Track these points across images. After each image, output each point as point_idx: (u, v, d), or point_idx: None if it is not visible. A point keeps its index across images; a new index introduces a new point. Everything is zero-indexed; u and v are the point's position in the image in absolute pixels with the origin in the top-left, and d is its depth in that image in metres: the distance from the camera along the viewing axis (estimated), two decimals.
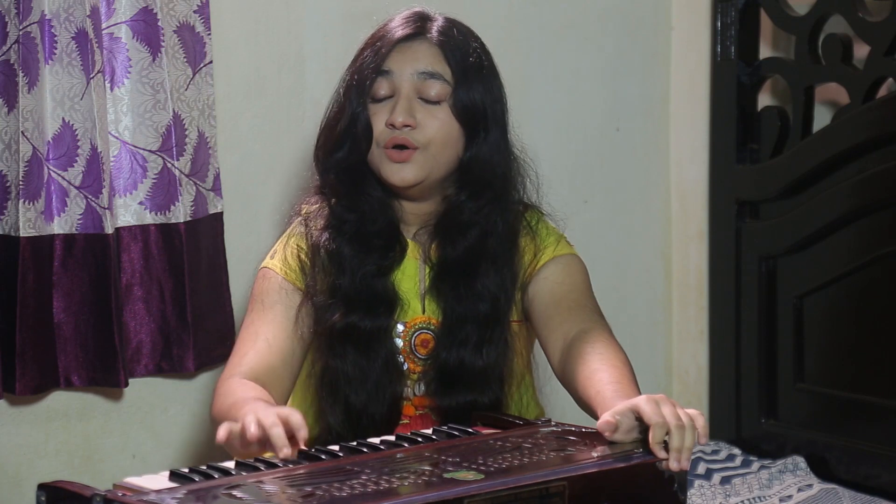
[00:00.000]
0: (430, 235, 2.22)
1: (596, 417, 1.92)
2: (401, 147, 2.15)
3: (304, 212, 2.24)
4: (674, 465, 1.79)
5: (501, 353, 2.17)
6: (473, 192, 2.19)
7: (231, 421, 1.88)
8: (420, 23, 2.20)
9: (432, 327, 2.19)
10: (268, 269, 2.22)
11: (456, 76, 2.17)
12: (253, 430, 1.80)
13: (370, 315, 2.15)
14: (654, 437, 1.79)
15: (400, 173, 2.16)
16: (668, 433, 1.80)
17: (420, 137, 2.15)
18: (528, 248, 2.23)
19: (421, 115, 2.16)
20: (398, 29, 2.20)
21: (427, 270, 2.21)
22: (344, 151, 2.19)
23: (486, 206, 2.19)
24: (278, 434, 1.80)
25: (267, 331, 2.16)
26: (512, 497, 1.66)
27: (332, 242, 2.18)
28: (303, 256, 2.20)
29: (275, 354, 2.14)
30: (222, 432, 1.84)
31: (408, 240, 2.22)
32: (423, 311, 2.20)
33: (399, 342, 2.19)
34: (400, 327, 2.19)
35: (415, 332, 2.20)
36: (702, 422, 1.83)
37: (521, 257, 2.22)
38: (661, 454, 1.79)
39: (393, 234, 2.21)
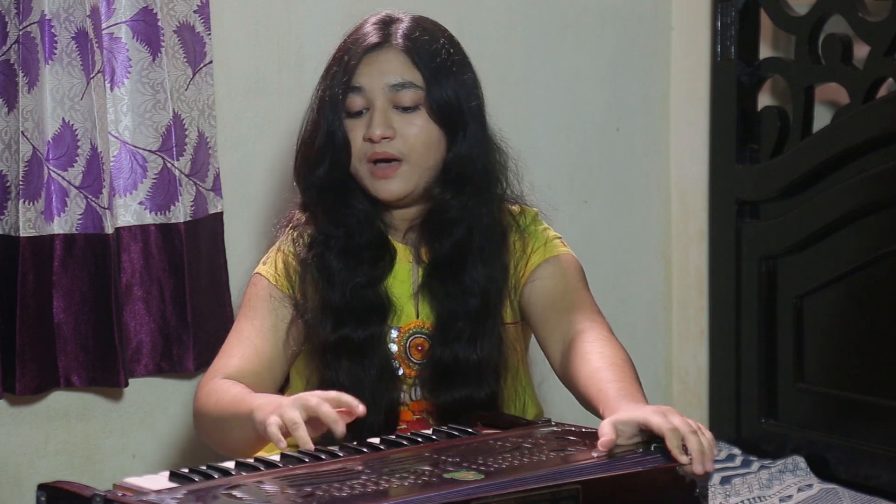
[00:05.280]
0: (417, 235, 2.22)
1: (599, 416, 1.91)
2: (384, 161, 2.14)
3: (294, 219, 2.24)
4: (698, 469, 1.77)
5: (495, 347, 2.17)
6: (457, 190, 2.18)
7: (237, 413, 1.94)
8: (385, 29, 2.19)
9: (426, 331, 2.19)
10: (260, 275, 2.22)
11: (427, 80, 2.16)
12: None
13: (362, 325, 2.15)
14: (671, 444, 1.77)
15: (387, 188, 2.15)
16: (683, 439, 1.79)
17: (401, 147, 2.15)
18: (521, 249, 2.22)
19: (398, 124, 2.15)
20: (364, 39, 2.18)
21: (420, 271, 2.21)
22: (325, 167, 2.18)
23: (471, 201, 2.18)
24: (327, 411, 1.82)
25: (255, 337, 2.16)
26: (522, 500, 1.65)
27: (321, 258, 2.18)
28: (292, 262, 2.20)
29: (262, 362, 2.15)
30: (281, 441, 1.84)
31: (398, 244, 2.22)
32: (417, 315, 2.20)
33: (394, 347, 2.19)
34: (394, 333, 2.19)
35: (409, 337, 2.20)
36: (709, 436, 1.82)
37: (511, 254, 2.21)
38: (684, 458, 1.77)
39: (382, 245, 2.20)
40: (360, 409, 1.87)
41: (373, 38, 2.18)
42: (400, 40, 2.17)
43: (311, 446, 1.82)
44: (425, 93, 2.16)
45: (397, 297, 2.20)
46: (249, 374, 2.12)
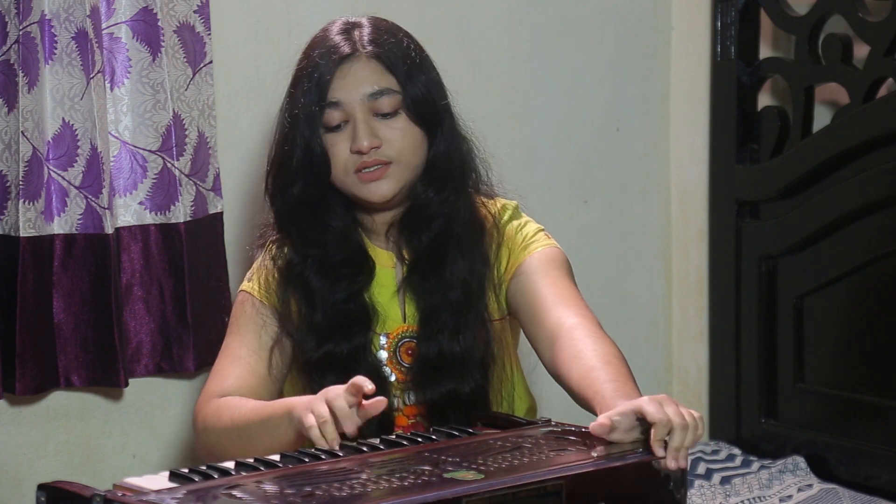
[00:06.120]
0: (397, 232, 2.22)
1: (596, 416, 1.91)
2: (372, 167, 2.15)
3: (271, 237, 2.24)
4: (671, 464, 1.79)
5: (479, 339, 2.16)
6: (440, 187, 2.19)
7: (268, 416, 1.97)
8: (351, 38, 2.17)
9: (414, 334, 2.19)
10: (245, 292, 2.23)
11: (402, 83, 2.16)
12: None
13: (346, 338, 2.16)
14: (655, 435, 1.79)
15: (378, 191, 2.15)
16: (670, 432, 1.80)
17: (389, 152, 2.15)
18: (503, 244, 2.22)
19: (381, 131, 2.15)
20: (334, 51, 2.16)
21: (403, 269, 2.21)
22: (300, 185, 2.17)
23: (451, 196, 2.19)
24: (341, 406, 1.85)
25: (247, 355, 2.17)
26: (510, 496, 1.66)
27: (300, 278, 2.18)
28: (275, 277, 2.20)
29: (257, 379, 2.16)
30: (316, 434, 1.86)
31: (378, 249, 2.22)
32: (404, 320, 2.20)
33: (384, 354, 2.19)
34: (383, 339, 2.19)
35: (399, 342, 2.20)
36: (700, 431, 1.83)
37: (490, 247, 2.21)
38: (660, 452, 1.79)
39: (360, 258, 2.20)
40: (369, 386, 1.87)
41: (342, 48, 2.16)
42: (369, 47, 2.16)
43: (325, 444, 1.85)
44: (402, 96, 2.16)
45: (382, 303, 2.20)
46: (248, 391, 2.14)
